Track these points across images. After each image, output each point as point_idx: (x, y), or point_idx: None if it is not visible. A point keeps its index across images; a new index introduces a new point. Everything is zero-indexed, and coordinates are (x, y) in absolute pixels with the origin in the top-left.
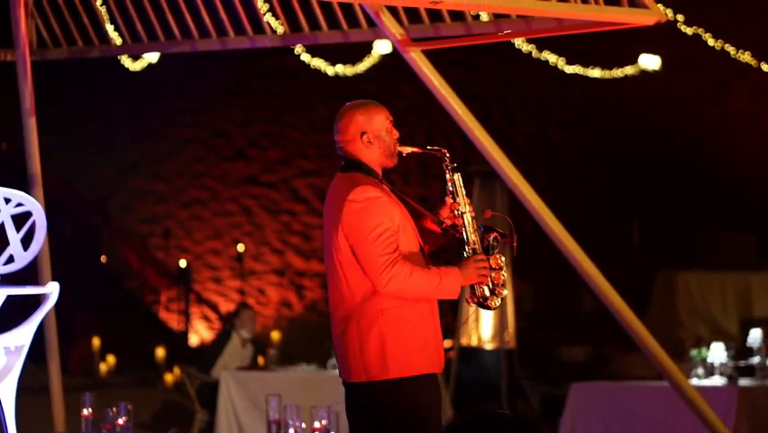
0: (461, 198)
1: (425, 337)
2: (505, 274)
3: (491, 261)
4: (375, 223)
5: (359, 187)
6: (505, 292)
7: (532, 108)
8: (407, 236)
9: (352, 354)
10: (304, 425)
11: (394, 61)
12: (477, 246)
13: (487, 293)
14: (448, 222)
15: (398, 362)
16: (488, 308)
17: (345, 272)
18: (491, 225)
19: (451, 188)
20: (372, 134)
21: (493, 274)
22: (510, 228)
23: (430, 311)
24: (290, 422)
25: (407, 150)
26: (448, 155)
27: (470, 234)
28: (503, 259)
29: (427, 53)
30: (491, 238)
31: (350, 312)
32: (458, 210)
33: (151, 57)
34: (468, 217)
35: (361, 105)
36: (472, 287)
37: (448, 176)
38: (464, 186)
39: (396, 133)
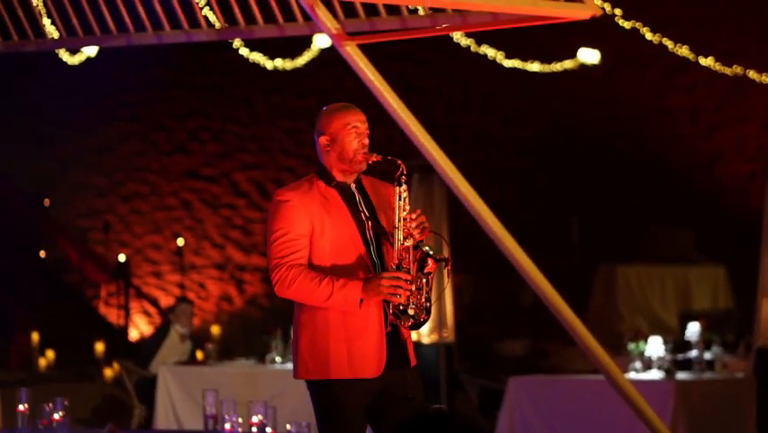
0: (397, 212)
1: (339, 341)
2: (432, 299)
3: (418, 281)
4: (276, 226)
5: (281, 189)
6: (412, 314)
7: (473, 102)
8: (330, 242)
9: (293, 351)
10: (240, 420)
11: (334, 55)
12: (402, 263)
13: (396, 311)
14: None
15: (308, 364)
16: (396, 325)
17: None
18: (434, 245)
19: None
20: (328, 138)
21: (413, 291)
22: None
23: (354, 314)
24: (227, 417)
25: (372, 158)
26: (402, 168)
27: (398, 250)
28: (426, 281)
29: (367, 48)
30: (419, 257)
31: (295, 309)
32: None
33: (90, 51)
34: (398, 234)
35: (327, 108)
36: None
37: (397, 188)
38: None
39: (362, 141)
